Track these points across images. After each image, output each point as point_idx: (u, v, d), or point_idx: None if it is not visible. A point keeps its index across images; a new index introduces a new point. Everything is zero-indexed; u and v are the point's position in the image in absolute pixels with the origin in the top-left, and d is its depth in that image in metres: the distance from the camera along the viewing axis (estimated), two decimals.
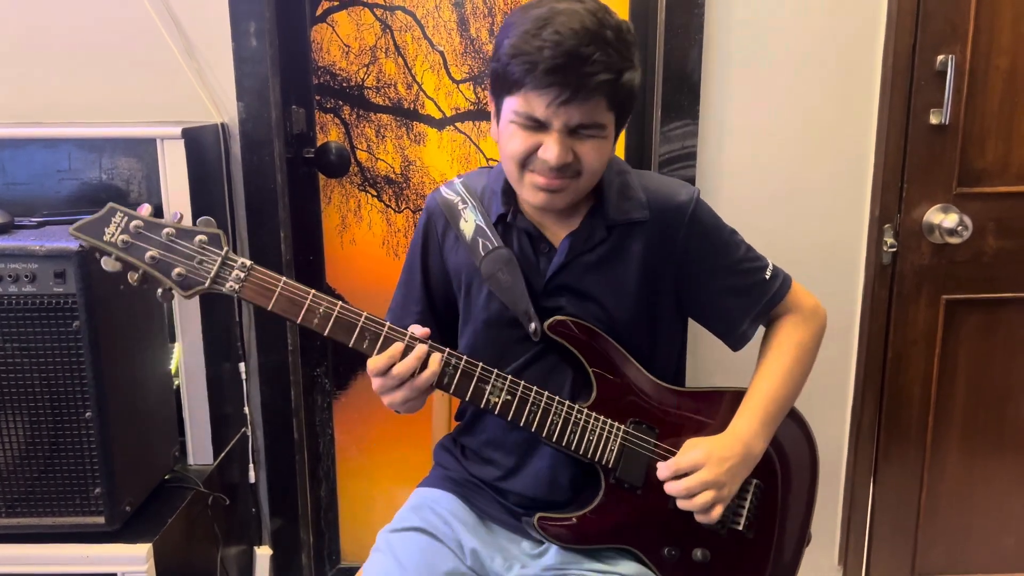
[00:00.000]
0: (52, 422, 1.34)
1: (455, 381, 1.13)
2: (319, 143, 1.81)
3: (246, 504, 1.82)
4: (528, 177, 1.11)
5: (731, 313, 1.25)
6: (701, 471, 1.12)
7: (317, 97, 1.79)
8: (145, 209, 1.08)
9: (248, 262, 1.09)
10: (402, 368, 1.09)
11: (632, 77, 1.06)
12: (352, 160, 1.82)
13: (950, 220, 1.69)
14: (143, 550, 1.37)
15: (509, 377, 1.14)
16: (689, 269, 1.21)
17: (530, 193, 1.12)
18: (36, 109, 1.67)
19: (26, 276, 1.28)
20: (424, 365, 1.11)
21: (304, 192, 1.82)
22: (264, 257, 1.72)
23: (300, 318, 1.09)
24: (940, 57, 1.64)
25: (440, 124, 1.81)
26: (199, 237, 1.08)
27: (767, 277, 1.24)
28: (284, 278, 1.10)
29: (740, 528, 1.20)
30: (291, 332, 1.78)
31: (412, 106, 1.80)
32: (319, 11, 1.76)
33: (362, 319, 1.10)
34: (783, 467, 1.25)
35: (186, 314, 1.57)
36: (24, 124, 1.63)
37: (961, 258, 1.74)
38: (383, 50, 1.77)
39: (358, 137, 1.82)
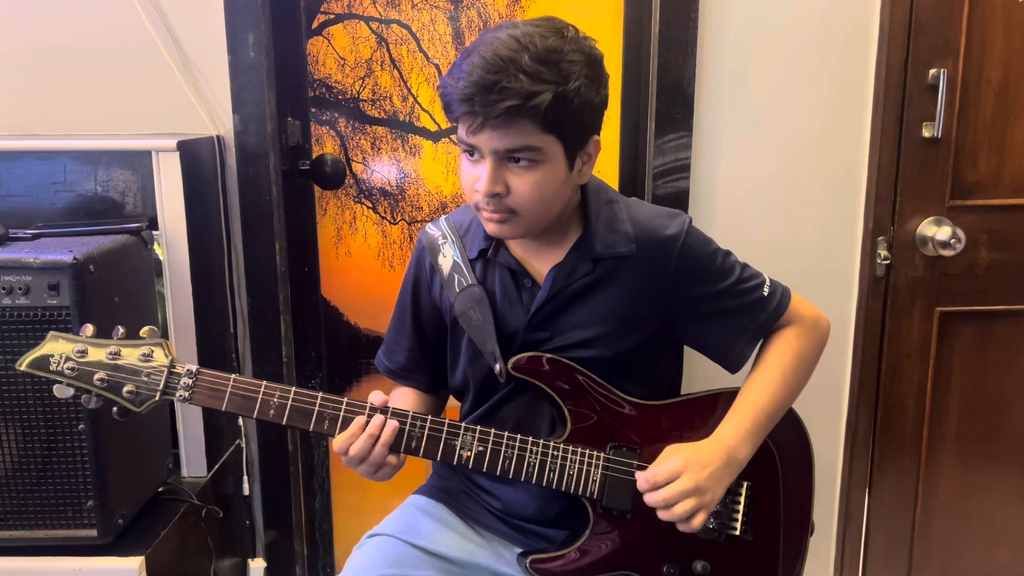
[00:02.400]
0: (45, 434, 1.34)
1: (423, 444, 1.13)
2: (315, 155, 1.82)
3: (240, 516, 1.82)
4: (481, 210, 1.12)
5: (727, 337, 1.23)
6: (680, 479, 1.10)
7: (313, 109, 1.80)
8: (88, 330, 1.10)
9: (195, 367, 1.09)
10: (357, 448, 1.09)
11: (547, 96, 1.01)
12: (347, 172, 1.83)
13: (943, 233, 1.70)
14: (136, 563, 1.36)
15: (478, 428, 1.14)
16: (681, 300, 1.20)
17: (486, 224, 1.13)
18: (32, 121, 1.67)
19: (20, 288, 1.28)
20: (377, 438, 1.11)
21: (299, 204, 1.82)
22: (259, 269, 1.73)
23: (256, 413, 1.09)
24: (932, 71, 1.65)
25: (435, 136, 1.82)
26: (144, 350, 1.09)
27: (764, 294, 1.22)
28: (233, 376, 1.10)
29: (737, 533, 1.19)
30: (286, 344, 1.78)
31: (407, 119, 1.81)
32: (315, 24, 1.77)
33: (318, 402, 1.10)
34: (777, 462, 1.23)
35: (181, 327, 1.57)
36: (20, 136, 1.63)
37: (954, 270, 1.74)
38: (379, 63, 1.78)
39: (353, 149, 1.82)
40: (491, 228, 1.13)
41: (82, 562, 1.36)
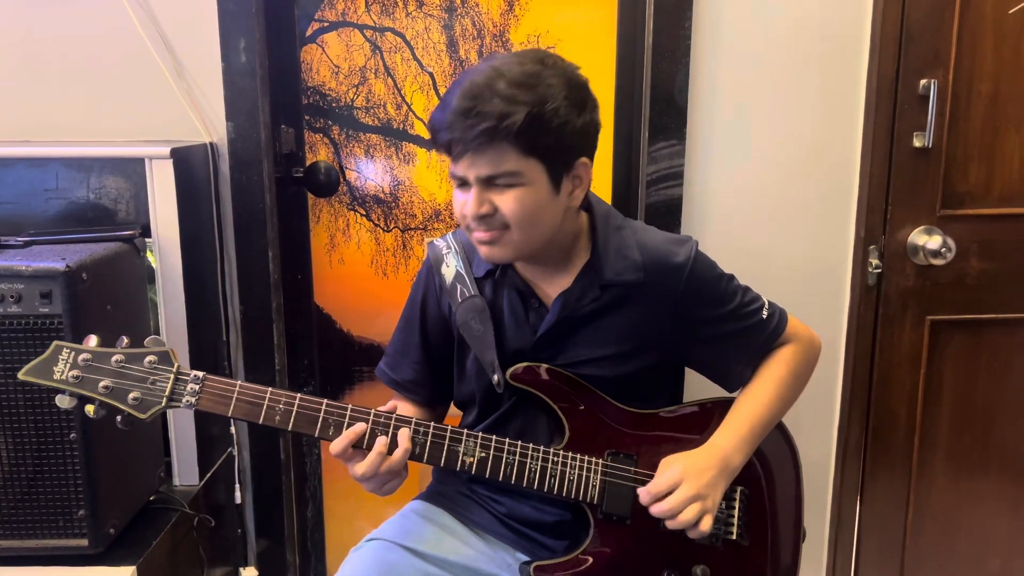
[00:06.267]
0: (36, 443, 1.32)
1: (426, 451, 1.14)
2: (308, 162, 1.81)
3: (232, 525, 1.81)
4: (473, 232, 1.14)
5: (728, 359, 1.26)
6: (681, 487, 1.12)
7: (307, 117, 1.80)
8: (92, 340, 1.09)
9: (201, 374, 1.09)
10: (365, 467, 1.09)
11: (520, 116, 1.03)
12: (341, 180, 1.83)
13: (934, 242, 1.71)
14: (127, 573, 1.35)
15: (480, 435, 1.15)
16: (685, 323, 1.22)
17: (479, 248, 1.15)
18: (24, 127, 1.66)
19: (12, 296, 1.27)
20: (393, 447, 1.11)
21: (293, 211, 1.82)
22: (252, 276, 1.72)
23: (262, 418, 1.09)
24: (923, 81, 1.66)
25: (429, 144, 1.82)
26: (149, 358, 1.09)
27: (764, 317, 1.25)
28: (240, 382, 1.10)
29: (734, 537, 1.21)
30: (278, 352, 1.77)
31: (401, 126, 1.81)
32: (309, 32, 1.77)
33: (323, 408, 1.11)
34: (766, 469, 1.26)
35: (173, 334, 1.57)
36: (12, 143, 1.62)
37: (945, 279, 1.76)
38: (373, 71, 1.78)
39: (347, 157, 1.82)
40: (484, 252, 1.14)
41: (73, 572, 1.35)
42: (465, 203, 1.10)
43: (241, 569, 1.85)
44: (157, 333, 1.57)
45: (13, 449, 1.33)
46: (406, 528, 1.26)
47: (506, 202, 1.09)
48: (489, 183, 1.09)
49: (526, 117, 1.03)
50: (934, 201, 1.72)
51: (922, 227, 1.73)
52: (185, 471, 1.62)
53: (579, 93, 1.10)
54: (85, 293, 1.30)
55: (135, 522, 1.48)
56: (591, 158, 1.15)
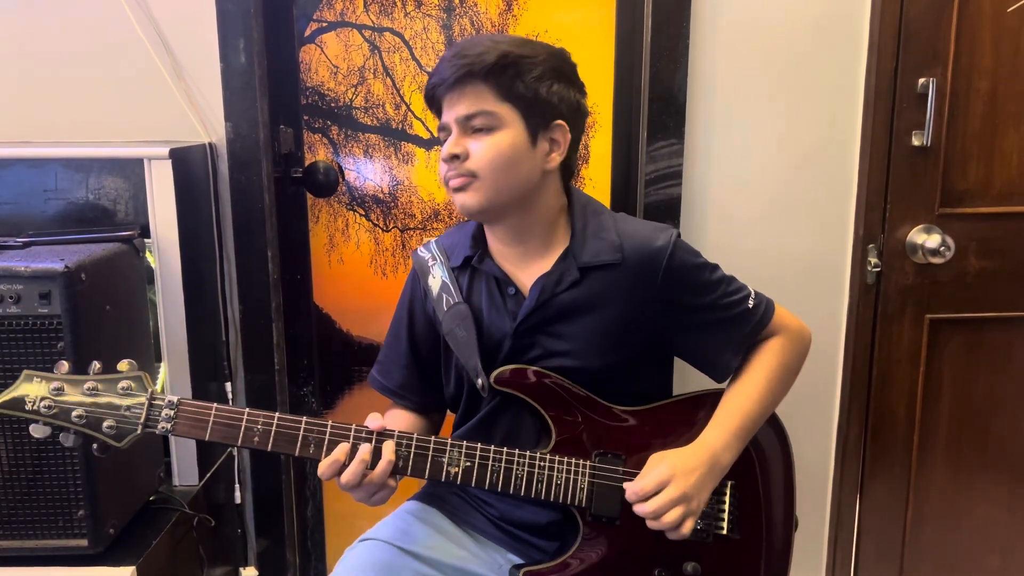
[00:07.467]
0: (35, 443, 1.32)
1: (410, 463, 1.13)
2: (307, 162, 1.82)
3: (232, 525, 1.81)
4: (448, 182, 1.17)
5: (714, 347, 1.25)
6: (668, 488, 1.12)
7: (305, 117, 1.80)
8: (63, 367, 1.08)
9: (175, 398, 1.09)
10: (348, 476, 1.09)
11: (493, 56, 1.10)
12: (340, 179, 1.83)
13: (933, 240, 1.71)
14: (127, 573, 1.35)
15: (465, 443, 1.14)
16: (670, 312, 1.21)
17: (452, 196, 1.17)
18: (23, 128, 1.67)
19: (11, 297, 1.27)
20: (376, 459, 1.10)
21: (292, 211, 1.82)
22: (251, 276, 1.72)
23: (240, 441, 1.09)
24: (922, 80, 1.66)
25: (428, 144, 1.82)
26: (123, 383, 1.08)
27: (750, 306, 1.24)
28: (215, 405, 1.09)
29: (724, 532, 1.21)
30: (278, 351, 1.77)
31: (400, 126, 1.81)
32: (308, 32, 1.77)
33: (302, 427, 1.10)
34: (757, 460, 1.25)
35: (172, 333, 1.57)
36: (11, 143, 1.62)
37: (944, 278, 1.76)
38: (371, 71, 1.78)
39: (346, 157, 1.82)
40: (457, 200, 1.16)
41: (73, 572, 1.35)
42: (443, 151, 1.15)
43: (241, 569, 1.85)
44: (157, 333, 1.57)
45: (13, 449, 1.33)
46: (400, 528, 1.26)
47: (480, 147, 1.13)
48: (467, 125, 1.13)
49: (500, 57, 1.10)
50: (933, 199, 1.72)
51: (921, 225, 1.73)
52: (185, 471, 1.62)
53: (564, 66, 1.16)
54: (84, 293, 1.30)
55: (135, 522, 1.48)
56: (573, 130, 1.18)
